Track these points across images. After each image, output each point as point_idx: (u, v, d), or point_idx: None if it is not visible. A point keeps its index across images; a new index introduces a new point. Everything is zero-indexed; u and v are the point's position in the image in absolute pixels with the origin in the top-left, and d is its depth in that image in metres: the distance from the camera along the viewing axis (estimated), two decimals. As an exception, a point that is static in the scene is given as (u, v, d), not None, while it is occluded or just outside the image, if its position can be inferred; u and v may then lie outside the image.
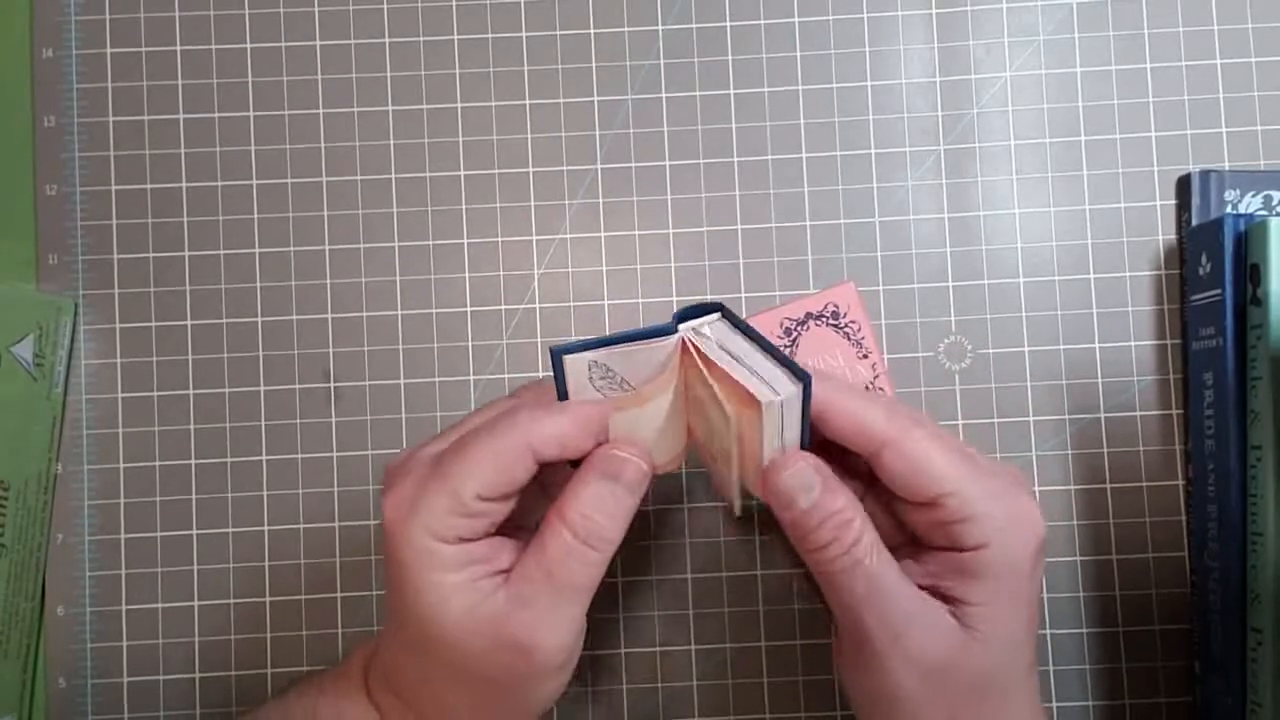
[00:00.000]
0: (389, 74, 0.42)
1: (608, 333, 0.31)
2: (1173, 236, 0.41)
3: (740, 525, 0.41)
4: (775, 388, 0.29)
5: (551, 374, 0.30)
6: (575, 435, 0.30)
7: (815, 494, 0.30)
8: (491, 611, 0.30)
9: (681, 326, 0.30)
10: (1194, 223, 0.40)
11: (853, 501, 0.30)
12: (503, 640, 0.30)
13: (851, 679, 0.32)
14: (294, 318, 0.41)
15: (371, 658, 0.34)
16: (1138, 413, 0.41)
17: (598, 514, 0.30)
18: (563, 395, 0.30)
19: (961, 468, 0.30)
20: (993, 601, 0.30)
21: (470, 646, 0.30)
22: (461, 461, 0.29)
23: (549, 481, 0.32)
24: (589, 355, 0.30)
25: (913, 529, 0.32)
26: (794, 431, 0.30)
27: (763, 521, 0.41)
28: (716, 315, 0.31)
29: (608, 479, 0.30)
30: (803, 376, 0.29)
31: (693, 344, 0.30)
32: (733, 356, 0.30)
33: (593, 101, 0.42)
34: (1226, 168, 0.41)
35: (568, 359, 0.30)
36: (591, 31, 0.42)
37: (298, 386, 0.41)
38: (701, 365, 0.30)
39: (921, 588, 0.30)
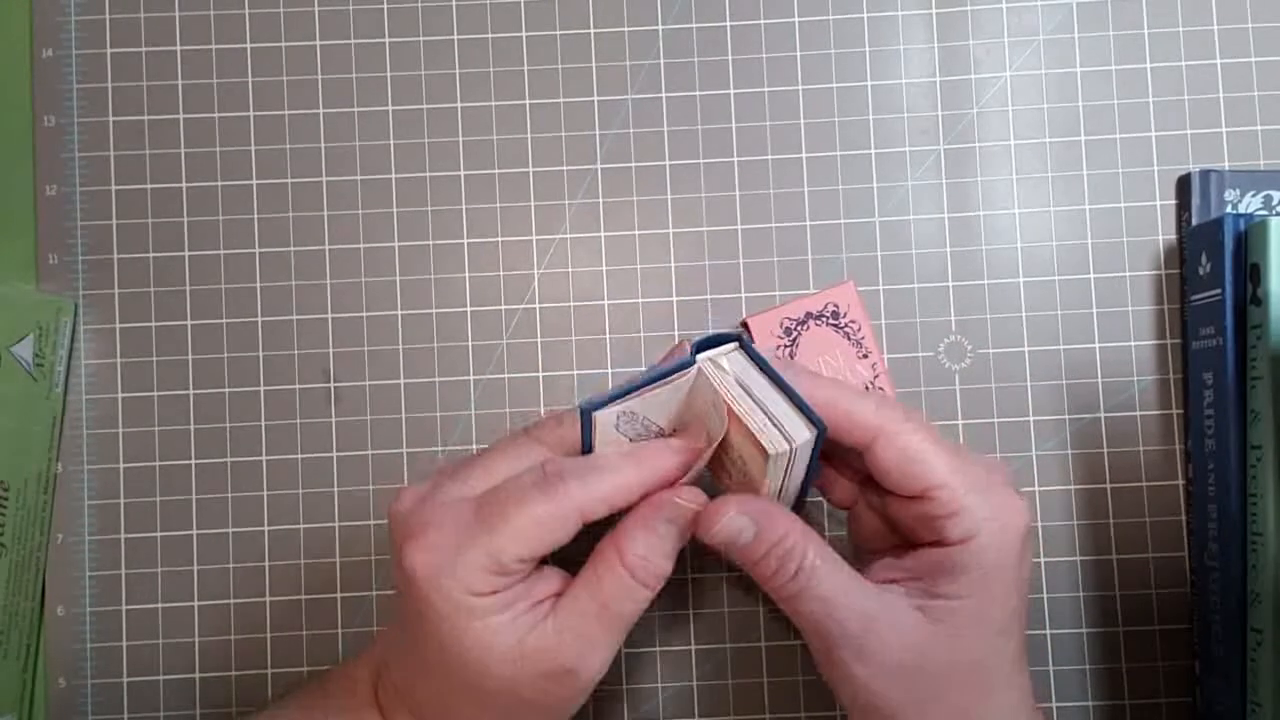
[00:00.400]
0: (389, 74, 0.42)
1: (627, 380, 0.32)
2: (1173, 236, 0.41)
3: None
4: (788, 433, 0.29)
5: (562, 409, 0.31)
6: (624, 499, 0.30)
7: (749, 534, 0.30)
8: (539, 643, 0.30)
9: (700, 357, 0.31)
10: (1194, 222, 0.40)
11: (792, 524, 0.31)
12: (551, 668, 0.30)
13: (835, 689, 0.32)
14: (294, 318, 0.41)
15: (379, 675, 0.34)
16: (1138, 412, 0.41)
17: (656, 555, 0.30)
18: (587, 447, 0.31)
19: (950, 460, 0.30)
20: (976, 594, 0.30)
21: (515, 676, 0.30)
22: (504, 524, 0.29)
23: None
24: (617, 408, 0.30)
25: (900, 525, 0.32)
26: (801, 469, 0.31)
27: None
28: (734, 346, 0.31)
29: (669, 524, 0.31)
30: (818, 425, 0.30)
31: (712, 379, 0.30)
32: (749, 394, 0.30)
33: (593, 101, 0.42)
34: (1226, 167, 0.41)
35: (597, 415, 0.30)
36: (591, 31, 0.42)
37: (298, 386, 0.41)
38: (727, 402, 0.30)
39: (901, 582, 0.31)
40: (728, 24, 0.42)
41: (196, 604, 0.41)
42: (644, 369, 0.31)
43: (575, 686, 0.31)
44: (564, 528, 0.29)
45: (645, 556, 0.30)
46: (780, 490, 0.32)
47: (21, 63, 0.42)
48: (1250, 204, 0.40)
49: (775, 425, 0.29)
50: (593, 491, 0.30)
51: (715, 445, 0.30)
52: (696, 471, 0.31)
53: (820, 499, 0.38)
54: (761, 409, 0.30)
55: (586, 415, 0.30)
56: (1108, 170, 0.41)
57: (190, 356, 0.41)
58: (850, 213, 0.41)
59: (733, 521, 0.30)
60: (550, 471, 0.30)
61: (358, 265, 0.42)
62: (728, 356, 0.31)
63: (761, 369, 0.31)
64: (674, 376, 0.30)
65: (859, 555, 0.36)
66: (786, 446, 0.29)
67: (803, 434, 0.29)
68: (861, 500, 0.34)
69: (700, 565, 0.41)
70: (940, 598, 0.30)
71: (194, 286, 0.42)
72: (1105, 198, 0.41)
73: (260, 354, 0.41)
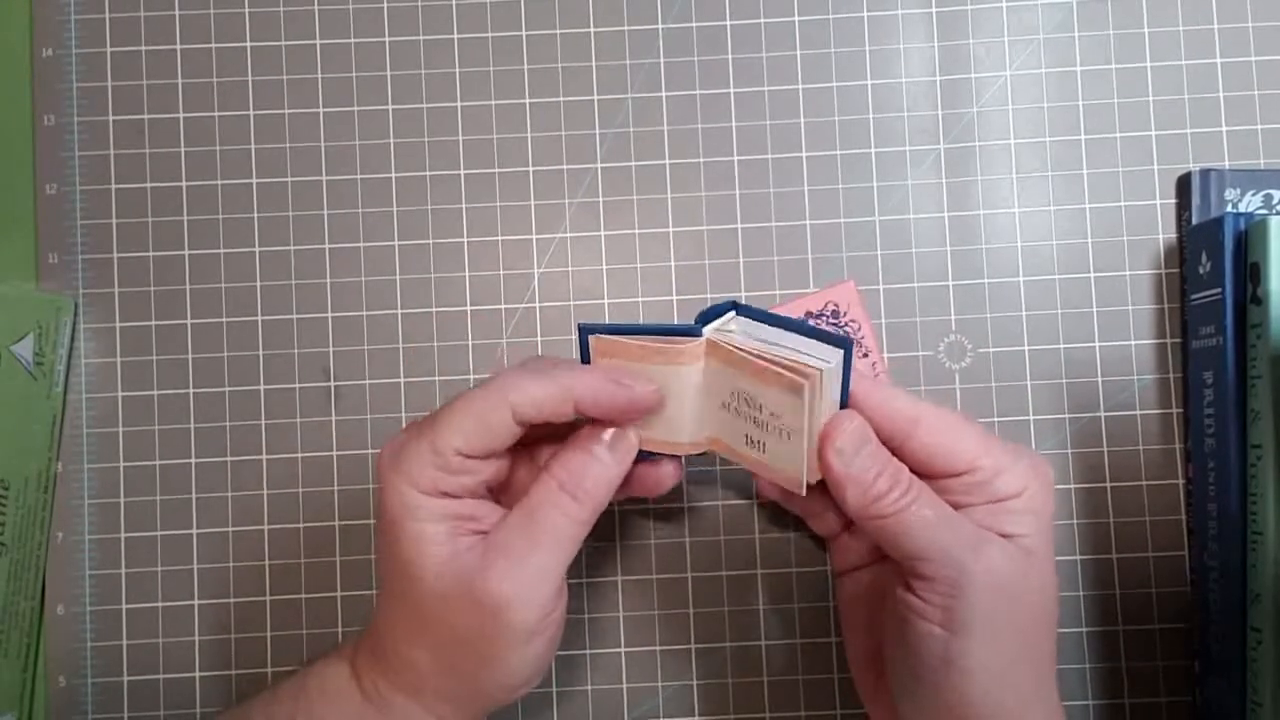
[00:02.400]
0: (389, 73, 0.42)
1: (633, 322, 0.32)
2: (1173, 235, 0.41)
3: (740, 525, 0.41)
4: (820, 357, 0.30)
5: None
6: (553, 399, 0.31)
7: (871, 447, 0.31)
8: (468, 563, 0.30)
9: (706, 330, 0.31)
10: (1194, 221, 0.40)
11: (895, 459, 0.32)
12: (474, 592, 0.30)
13: (917, 628, 0.31)
14: (294, 317, 0.41)
15: (360, 637, 0.34)
16: (1138, 412, 0.41)
17: (585, 472, 0.31)
18: None
19: (982, 436, 0.32)
20: (1038, 531, 0.32)
21: (443, 599, 0.30)
22: (445, 416, 0.31)
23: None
24: (612, 338, 0.31)
25: (951, 496, 0.32)
26: (836, 395, 0.31)
27: (762, 522, 0.41)
28: (732, 313, 0.32)
29: (600, 445, 0.32)
30: (842, 343, 0.30)
31: (725, 343, 0.31)
32: (766, 343, 0.31)
33: (593, 100, 0.42)
34: (1227, 166, 0.41)
35: (594, 339, 0.31)
36: (591, 30, 0.42)
37: (298, 386, 0.41)
38: (744, 353, 0.30)
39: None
40: (728, 23, 0.42)
41: (196, 603, 0.41)
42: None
43: (503, 621, 0.30)
44: (498, 417, 0.30)
45: (570, 469, 0.31)
46: (808, 436, 0.32)
47: (21, 62, 0.42)
48: (1250, 203, 0.40)
49: (805, 355, 0.30)
50: (525, 388, 0.30)
51: (814, 366, 0.30)
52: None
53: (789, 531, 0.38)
54: (784, 348, 0.31)
55: (584, 335, 0.31)
56: (1108, 169, 0.41)
57: (190, 355, 0.41)
58: (850, 212, 0.41)
59: (860, 430, 0.31)
60: (491, 373, 0.32)
61: (357, 264, 0.42)
62: (734, 321, 0.32)
63: (767, 321, 0.31)
64: (678, 340, 0.31)
65: (839, 578, 0.37)
66: (826, 364, 0.30)
67: (834, 355, 0.30)
68: (845, 528, 0.36)
69: (700, 565, 0.41)
70: (1016, 536, 0.31)
71: (194, 285, 0.42)
72: (1105, 197, 0.41)
73: (260, 353, 0.41)
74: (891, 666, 0.33)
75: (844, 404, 0.32)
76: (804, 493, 0.32)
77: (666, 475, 0.35)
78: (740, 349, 0.30)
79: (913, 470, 0.32)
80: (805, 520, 0.37)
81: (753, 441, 0.32)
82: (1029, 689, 0.31)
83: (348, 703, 0.33)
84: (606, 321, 0.31)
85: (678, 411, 0.32)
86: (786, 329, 0.31)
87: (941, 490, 0.32)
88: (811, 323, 0.41)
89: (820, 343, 0.31)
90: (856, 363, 0.40)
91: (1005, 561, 0.31)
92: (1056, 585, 0.32)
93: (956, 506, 0.32)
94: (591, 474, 0.32)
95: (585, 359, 0.32)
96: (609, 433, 0.32)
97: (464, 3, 0.42)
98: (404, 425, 0.33)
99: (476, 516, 0.31)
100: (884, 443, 0.32)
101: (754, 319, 0.32)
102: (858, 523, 0.32)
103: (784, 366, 0.30)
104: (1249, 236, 0.37)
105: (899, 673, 0.33)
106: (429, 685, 0.32)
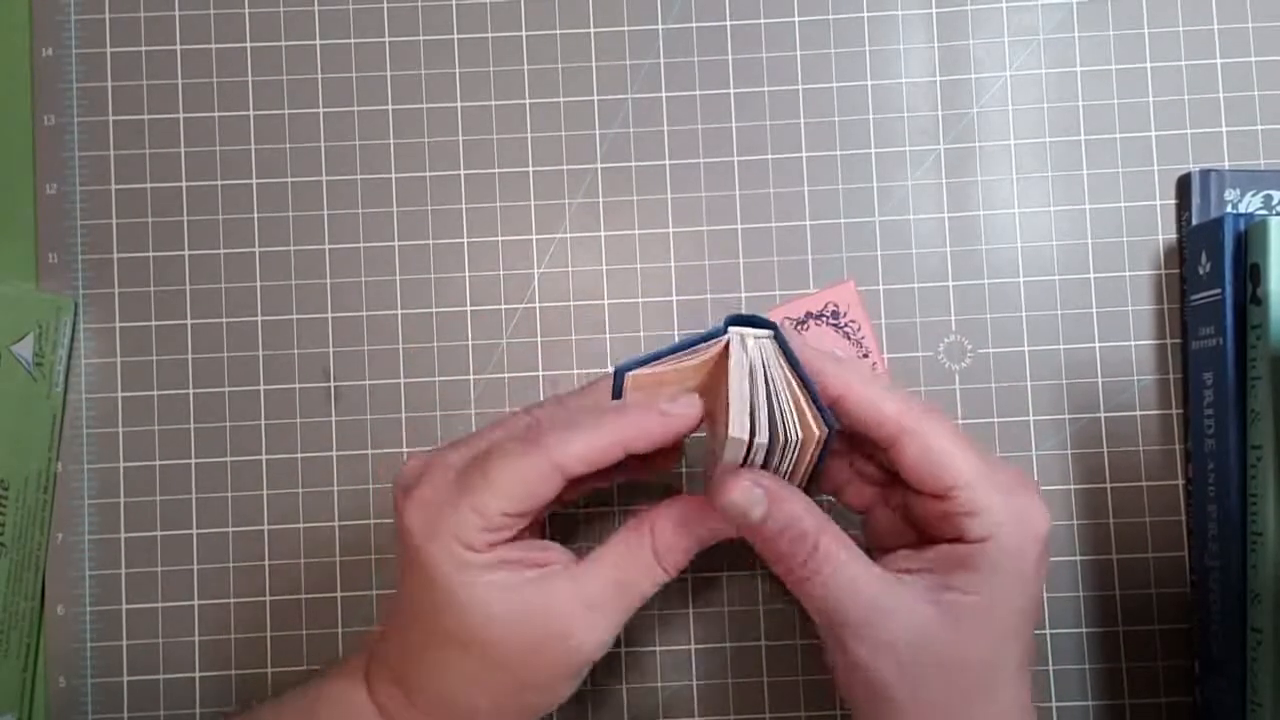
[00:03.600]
0: (389, 73, 0.42)
1: (657, 347, 0.32)
2: (1173, 236, 0.41)
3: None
4: (789, 425, 0.29)
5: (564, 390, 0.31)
6: (603, 451, 0.30)
7: (762, 509, 0.30)
8: (545, 601, 0.30)
9: (731, 330, 0.31)
10: (1194, 222, 0.40)
11: (808, 508, 0.31)
12: (553, 630, 0.30)
13: (840, 679, 0.32)
14: (294, 317, 0.41)
15: (372, 654, 0.34)
16: (1138, 412, 0.41)
17: (681, 553, 0.32)
18: None
19: (973, 462, 0.30)
20: (989, 593, 0.30)
21: (510, 635, 0.30)
22: (485, 479, 0.30)
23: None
24: (645, 371, 0.31)
25: (920, 520, 0.32)
26: (804, 466, 0.31)
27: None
28: (769, 334, 0.31)
29: (700, 526, 0.32)
30: (829, 424, 0.30)
31: (744, 345, 0.30)
32: (753, 379, 0.30)
33: (592, 101, 0.42)
34: (1226, 167, 0.41)
35: (628, 377, 0.30)
36: (591, 30, 0.42)
37: (298, 386, 0.41)
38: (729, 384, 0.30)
39: (917, 573, 0.31)
40: (728, 23, 0.42)
41: (196, 603, 0.41)
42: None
43: (572, 659, 0.31)
44: (544, 481, 0.30)
45: (673, 548, 0.31)
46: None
47: (21, 62, 0.42)
48: (1250, 204, 0.40)
49: (779, 413, 0.30)
50: (570, 447, 0.30)
51: (745, 430, 0.30)
52: (733, 461, 0.31)
53: (828, 499, 0.38)
54: (769, 397, 0.30)
55: (620, 375, 0.31)
56: (1108, 170, 0.41)
57: (190, 356, 0.41)
58: (850, 212, 0.41)
59: (748, 492, 0.30)
60: (531, 428, 0.31)
61: (358, 265, 0.42)
62: (759, 341, 0.31)
63: (789, 361, 0.31)
64: (703, 346, 0.30)
65: (873, 554, 0.36)
66: (743, 435, 0.29)
67: (798, 432, 0.30)
68: (880, 501, 0.34)
69: (700, 565, 0.41)
70: (954, 591, 0.30)
71: (194, 286, 0.42)
72: (1105, 197, 0.41)
73: (260, 353, 0.41)
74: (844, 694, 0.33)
75: (818, 472, 0.32)
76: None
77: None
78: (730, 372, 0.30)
79: (885, 478, 0.32)
80: (837, 498, 0.36)
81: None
82: None
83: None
84: (631, 358, 0.31)
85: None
86: (798, 381, 0.30)
87: (924, 508, 0.31)
88: (813, 323, 0.41)
89: (817, 412, 0.30)
90: (856, 356, 0.40)
91: (905, 624, 0.30)
92: (1002, 646, 0.30)
93: (930, 535, 0.31)
94: (688, 551, 0.32)
95: (618, 397, 0.31)
96: (717, 526, 0.31)
97: (464, 3, 0.42)
98: (416, 468, 0.32)
99: (531, 555, 0.31)
100: (866, 442, 0.31)
101: (781, 353, 0.31)
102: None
103: (736, 411, 0.29)
104: (1249, 237, 0.37)
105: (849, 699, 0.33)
106: (461, 715, 0.32)
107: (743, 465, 0.31)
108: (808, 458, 0.31)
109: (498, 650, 0.30)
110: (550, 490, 0.30)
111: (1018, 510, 0.30)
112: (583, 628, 0.31)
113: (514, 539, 0.31)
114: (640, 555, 0.31)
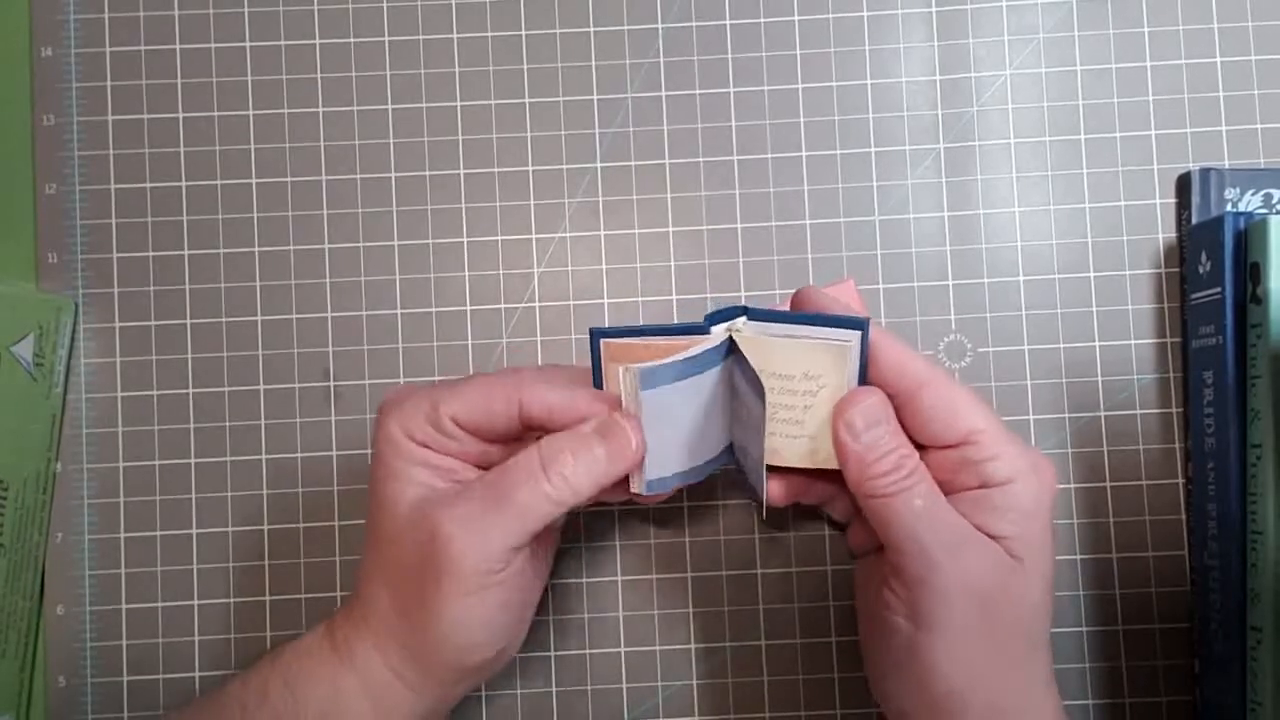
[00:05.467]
0: (388, 72, 0.42)
1: (642, 323, 0.33)
2: (1173, 235, 0.41)
3: (740, 525, 0.41)
4: (840, 337, 0.31)
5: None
6: (565, 412, 0.31)
7: (882, 426, 0.31)
8: (432, 499, 0.31)
9: (715, 329, 0.32)
10: (1194, 221, 0.40)
11: (909, 445, 0.32)
12: (426, 520, 0.31)
13: (887, 619, 0.32)
14: (293, 316, 0.41)
15: (339, 610, 0.35)
16: (1137, 411, 0.41)
17: (568, 459, 0.31)
18: (597, 375, 0.32)
19: (989, 414, 0.32)
20: (1025, 534, 0.31)
21: (404, 529, 0.31)
22: (455, 384, 0.32)
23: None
24: (622, 341, 0.31)
25: (942, 474, 0.32)
26: (855, 371, 0.32)
27: (762, 521, 0.41)
28: (744, 318, 0.32)
29: (599, 438, 0.31)
30: (858, 324, 0.31)
31: (761, 332, 0.31)
32: (787, 336, 0.31)
33: (592, 100, 0.42)
34: (1226, 166, 0.41)
35: (605, 342, 0.31)
36: (591, 30, 0.42)
37: (297, 385, 0.41)
38: (779, 337, 0.31)
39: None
40: (727, 22, 0.42)
41: (196, 603, 0.41)
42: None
43: (446, 558, 0.30)
44: (502, 402, 0.31)
45: (559, 449, 0.31)
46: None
47: (20, 61, 0.42)
48: (1250, 202, 0.40)
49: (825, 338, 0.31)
50: (541, 390, 0.31)
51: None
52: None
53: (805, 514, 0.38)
54: (803, 336, 0.31)
55: (595, 339, 0.32)
56: (1107, 169, 0.41)
57: (190, 355, 0.41)
58: (850, 211, 0.41)
59: (875, 407, 0.31)
60: (512, 366, 0.32)
61: (357, 264, 0.42)
62: (744, 324, 0.32)
63: (778, 318, 0.32)
64: (686, 338, 0.31)
65: (857, 562, 0.37)
66: (847, 340, 0.31)
67: (853, 333, 0.31)
68: (858, 513, 0.35)
69: (700, 564, 0.41)
70: (1000, 537, 0.31)
71: (193, 285, 0.42)
72: (1105, 196, 0.41)
73: (260, 353, 0.41)
74: (867, 650, 0.34)
75: (863, 378, 0.32)
76: (812, 465, 0.33)
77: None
78: (774, 340, 0.31)
79: (913, 437, 0.32)
80: (823, 506, 0.37)
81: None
82: (1002, 693, 0.31)
83: (318, 657, 0.33)
84: (612, 324, 0.31)
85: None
86: (799, 323, 0.32)
87: (937, 464, 0.32)
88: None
89: (836, 328, 0.31)
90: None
91: (982, 567, 0.31)
92: (1046, 595, 0.32)
93: (947, 488, 0.32)
94: (584, 466, 0.31)
95: (596, 362, 0.32)
96: (617, 432, 0.31)
97: (464, 2, 0.42)
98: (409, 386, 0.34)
99: (456, 470, 0.32)
100: (891, 398, 0.32)
101: (765, 319, 0.32)
102: (857, 499, 0.32)
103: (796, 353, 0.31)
104: (1249, 236, 0.37)
105: (873, 657, 0.33)
106: (384, 626, 0.32)
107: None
108: (857, 365, 0.32)
109: (392, 537, 0.32)
110: (503, 414, 0.31)
111: (1032, 460, 0.32)
112: (464, 534, 0.30)
113: (453, 455, 0.32)
114: (524, 456, 0.31)
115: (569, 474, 0.31)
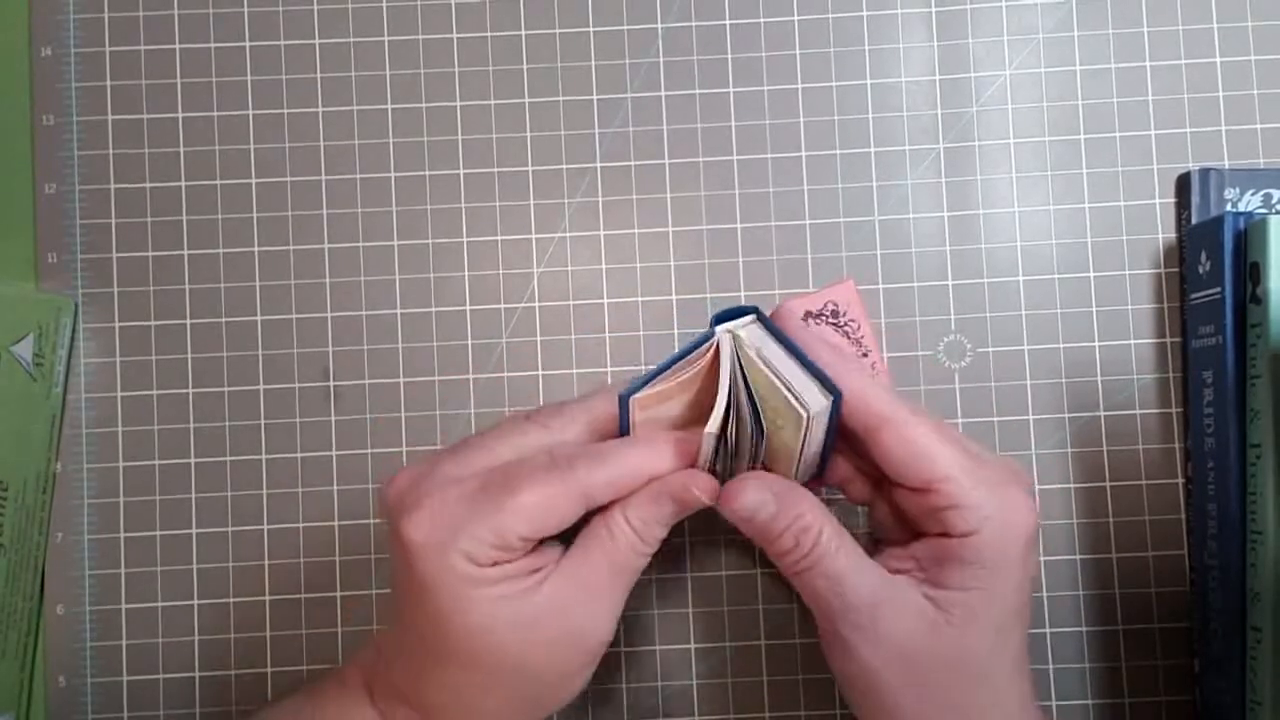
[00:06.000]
0: (388, 72, 0.42)
1: (655, 363, 0.33)
2: (1172, 235, 0.41)
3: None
4: (804, 401, 0.30)
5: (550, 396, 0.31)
6: (630, 485, 0.31)
7: (769, 510, 0.31)
8: (549, 604, 0.30)
9: (718, 329, 0.31)
10: (1194, 221, 0.40)
11: (810, 503, 0.31)
12: (562, 630, 0.30)
13: (836, 670, 0.32)
14: (293, 316, 0.41)
15: (373, 672, 0.33)
16: (1137, 411, 0.41)
17: (658, 525, 0.31)
18: (624, 427, 0.32)
19: (956, 456, 0.30)
20: (977, 588, 0.30)
21: (523, 644, 0.30)
22: (512, 501, 0.29)
23: None
24: (649, 391, 0.31)
25: (908, 516, 0.32)
26: (818, 439, 0.31)
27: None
28: (751, 318, 0.32)
29: (675, 503, 0.31)
30: (833, 392, 0.30)
31: (749, 353, 0.31)
32: (767, 365, 0.30)
33: (592, 100, 0.42)
34: (1226, 166, 0.41)
35: (633, 400, 0.31)
36: (590, 30, 0.42)
37: (297, 385, 0.41)
38: (760, 365, 0.30)
39: (906, 573, 0.31)
40: (727, 22, 0.42)
41: (196, 603, 0.41)
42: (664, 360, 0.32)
43: (584, 649, 0.31)
44: (570, 509, 0.30)
45: (645, 521, 0.31)
46: (799, 460, 0.32)
47: (20, 61, 0.42)
48: (1250, 202, 0.40)
49: (793, 394, 0.30)
50: (599, 476, 0.30)
51: (718, 426, 0.30)
52: (708, 454, 0.31)
53: (837, 494, 0.38)
54: (780, 379, 0.30)
55: (624, 402, 0.31)
56: (1107, 169, 0.41)
57: (189, 355, 0.41)
58: (850, 211, 0.41)
59: (754, 497, 0.31)
60: (559, 455, 0.31)
61: (357, 264, 0.42)
62: (745, 329, 0.31)
63: (779, 340, 0.31)
64: (697, 354, 0.31)
65: (877, 547, 0.36)
66: (804, 412, 0.29)
67: (818, 402, 0.30)
68: (877, 494, 0.34)
69: (700, 564, 0.41)
70: (944, 588, 0.30)
71: (193, 285, 0.42)
72: (1105, 196, 0.41)
73: (259, 353, 0.41)
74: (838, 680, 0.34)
75: (828, 446, 0.32)
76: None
77: None
78: (759, 362, 0.30)
79: (881, 473, 0.32)
80: (841, 487, 0.36)
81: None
82: None
83: None
84: (632, 377, 0.31)
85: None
86: (791, 356, 0.31)
87: (909, 503, 0.32)
88: (813, 323, 0.41)
89: (817, 383, 0.30)
90: (855, 355, 0.40)
91: (901, 630, 0.30)
92: (1002, 639, 0.30)
93: (917, 529, 0.32)
94: (663, 525, 0.32)
95: (625, 417, 0.31)
96: (690, 496, 0.31)
97: (463, 2, 0.42)
98: (414, 481, 0.31)
99: (526, 563, 0.31)
100: (853, 435, 0.31)
101: (769, 333, 0.31)
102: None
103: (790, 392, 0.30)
104: (1249, 236, 0.37)
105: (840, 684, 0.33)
106: None
107: (715, 455, 0.31)
108: (821, 432, 0.31)
109: (509, 659, 0.30)
110: (572, 517, 0.30)
111: (1000, 505, 0.30)
112: (586, 617, 0.31)
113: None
114: (622, 534, 0.31)
115: (657, 537, 0.32)
